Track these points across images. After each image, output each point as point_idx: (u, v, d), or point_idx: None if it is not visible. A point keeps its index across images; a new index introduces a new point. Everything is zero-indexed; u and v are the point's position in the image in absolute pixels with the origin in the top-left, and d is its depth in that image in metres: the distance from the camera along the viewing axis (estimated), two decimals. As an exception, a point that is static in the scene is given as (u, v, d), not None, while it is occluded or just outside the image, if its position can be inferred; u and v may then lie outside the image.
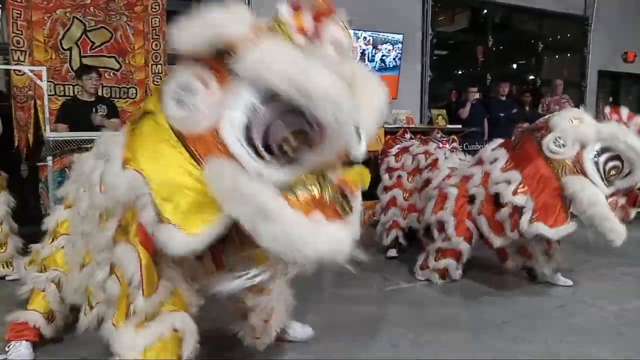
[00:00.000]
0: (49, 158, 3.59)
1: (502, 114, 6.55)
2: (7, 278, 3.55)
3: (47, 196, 3.78)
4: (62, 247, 2.39)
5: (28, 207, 4.83)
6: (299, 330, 2.54)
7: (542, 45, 8.34)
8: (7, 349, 2.33)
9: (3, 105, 4.77)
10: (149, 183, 1.48)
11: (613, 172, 3.06)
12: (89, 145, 3.83)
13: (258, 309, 2.23)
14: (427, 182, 3.76)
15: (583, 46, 8.47)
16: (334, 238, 1.48)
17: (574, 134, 3.06)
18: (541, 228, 2.98)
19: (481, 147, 5.91)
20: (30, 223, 4.36)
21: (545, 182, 3.07)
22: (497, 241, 3.26)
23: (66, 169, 3.83)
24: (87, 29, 4.86)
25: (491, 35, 7.63)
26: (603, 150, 3.05)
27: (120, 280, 1.74)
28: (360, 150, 1.51)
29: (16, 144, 4.56)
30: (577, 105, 7.69)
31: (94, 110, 4.21)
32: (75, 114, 4.17)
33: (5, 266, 3.57)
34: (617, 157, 3.05)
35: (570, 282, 3.49)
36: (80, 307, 2.19)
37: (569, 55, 9.13)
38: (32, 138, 4.60)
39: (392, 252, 4.14)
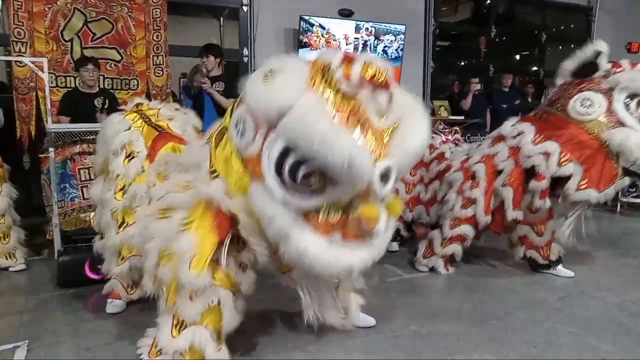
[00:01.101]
0: (51, 149, 3.59)
1: (504, 105, 6.53)
2: (10, 269, 3.57)
3: (49, 187, 3.79)
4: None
5: (30, 198, 4.84)
6: (362, 318, 2.66)
7: (545, 36, 8.28)
8: (107, 301, 2.82)
9: (5, 96, 4.77)
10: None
11: None
12: (91, 137, 3.89)
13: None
14: (437, 174, 3.73)
15: (587, 37, 8.40)
16: (347, 259, 1.77)
17: (593, 92, 3.05)
18: (590, 194, 2.99)
19: (483, 139, 5.93)
20: (32, 214, 4.40)
21: (585, 146, 3.04)
22: (513, 214, 3.21)
23: (68, 160, 3.84)
24: (88, 20, 4.83)
25: (494, 26, 7.58)
26: (629, 97, 3.04)
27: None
28: (383, 191, 1.76)
29: (18, 135, 4.56)
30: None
31: (95, 102, 4.20)
32: (76, 106, 4.16)
33: (8, 257, 3.59)
34: None
35: (571, 273, 3.49)
36: None
37: (572, 46, 9.04)
38: (34, 130, 4.61)
39: (394, 246, 4.14)
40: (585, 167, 3.02)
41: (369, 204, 1.74)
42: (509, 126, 3.38)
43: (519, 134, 3.26)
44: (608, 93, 3.06)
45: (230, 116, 1.93)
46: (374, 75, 1.71)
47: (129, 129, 2.69)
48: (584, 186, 3.00)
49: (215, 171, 1.95)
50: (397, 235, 4.12)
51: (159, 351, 2.03)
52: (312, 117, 1.61)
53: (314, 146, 1.57)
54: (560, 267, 3.52)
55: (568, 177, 3.06)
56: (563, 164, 3.05)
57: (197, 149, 2.15)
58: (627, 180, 3.07)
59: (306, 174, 1.67)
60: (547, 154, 3.09)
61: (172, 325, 2.02)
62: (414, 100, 1.91)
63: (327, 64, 1.72)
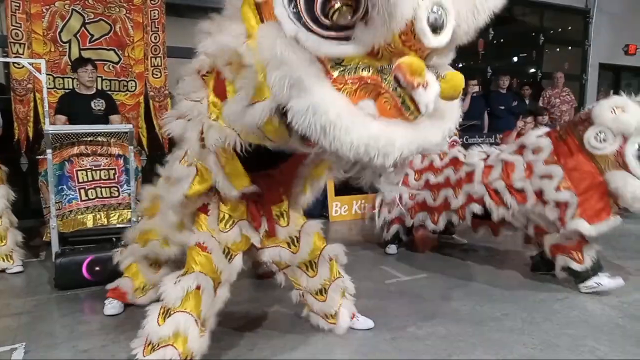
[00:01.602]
0: (49, 151, 3.58)
1: (502, 107, 6.54)
2: (7, 271, 3.56)
3: (46, 189, 3.78)
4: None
5: (28, 200, 4.83)
6: (361, 321, 2.65)
7: (543, 38, 8.31)
8: (105, 302, 2.83)
9: (2, 98, 4.76)
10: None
11: None
12: (89, 139, 3.88)
13: (311, 290, 2.47)
14: (453, 182, 3.63)
15: (584, 39, 8.44)
16: (380, 134, 1.29)
17: (615, 126, 2.96)
18: (580, 224, 2.98)
19: (481, 141, 5.92)
20: (30, 217, 4.39)
21: (587, 178, 3.04)
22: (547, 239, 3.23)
23: (65, 162, 3.83)
24: (86, 21, 4.83)
25: (492, 28, 7.59)
26: None
27: None
28: (435, 40, 1.30)
29: (16, 137, 4.55)
30: (578, 99, 7.71)
31: (92, 104, 4.19)
32: (73, 107, 4.15)
33: (5, 259, 3.58)
34: None
35: None
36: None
37: (570, 48, 9.10)
38: (31, 131, 4.60)
39: (392, 249, 4.14)
40: (582, 198, 3.02)
41: (412, 56, 1.32)
42: (534, 137, 3.35)
43: (537, 150, 3.25)
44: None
45: None
46: None
47: None
48: (576, 216, 3.01)
49: None
50: (395, 239, 4.12)
51: (152, 348, 2.04)
52: None
53: None
54: None
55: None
56: (560, 189, 3.06)
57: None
58: (619, 220, 3.07)
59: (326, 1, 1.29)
60: (550, 177, 3.10)
61: (159, 315, 2.06)
62: None
63: None
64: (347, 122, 1.27)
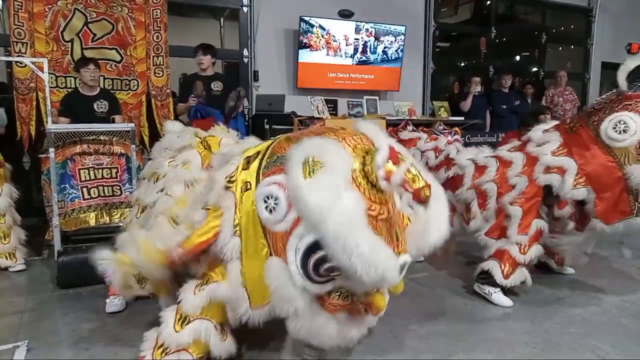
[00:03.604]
0: (51, 150, 3.59)
1: (504, 106, 6.54)
2: (10, 269, 3.58)
3: (49, 188, 3.79)
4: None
5: (31, 199, 4.84)
6: None
7: (545, 37, 8.30)
8: (107, 301, 2.84)
9: (5, 97, 4.77)
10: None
11: None
12: (91, 137, 3.88)
13: None
14: (447, 181, 3.39)
15: (587, 38, 8.42)
16: (348, 333, 1.85)
17: (637, 115, 2.62)
18: (598, 226, 2.78)
19: (483, 140, 5.91)
20: (33, 215, 4.40)
21: (604, 173, 2.73)
22: (517, 238, 2.91)
23: (68, 161, 3.84)
24: (89, 20, 4.84)
25: (494, 27, 7.58)
26: None
27: None
28: (396, 281, 1.67)
29: (18, 136, 4.57)
30: (581, 98, 7.70)
31: (94, 106, 4.19)
32: (76, 109, 4.15)
33: (8, 257, 3.59)
34: None
35: (572, 271, 3.52)
36: None
37: (572, 46, 9.08)
38: (34, 130, 4.61)
39: None
40: (598, 195, 2.75)
41: (381, 294, 1.79)
42: (540, 132, 3.08)
43: (544, 143, 2.98)
44: None
45: (256, 180, 1.87)
46: (420, 188, 1.70)
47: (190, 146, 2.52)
48: (594, 215, 2.79)
49: (237, 226, 1.91)
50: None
51: (163, 351, 2.02)
52: (350, 231, 1.52)
53: (348, 259, 1.52)
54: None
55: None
56: (577, 187, 2.78)
57: (221, 191, 2.00)
58: (638, 220, 2.76)
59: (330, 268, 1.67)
60: (562, 171, 2.82)
61: (175, 321, 2.02)
62: (436, 186, 1.88)
63: (371, 157, 1.64)
64: (332, 338, 1.82)
